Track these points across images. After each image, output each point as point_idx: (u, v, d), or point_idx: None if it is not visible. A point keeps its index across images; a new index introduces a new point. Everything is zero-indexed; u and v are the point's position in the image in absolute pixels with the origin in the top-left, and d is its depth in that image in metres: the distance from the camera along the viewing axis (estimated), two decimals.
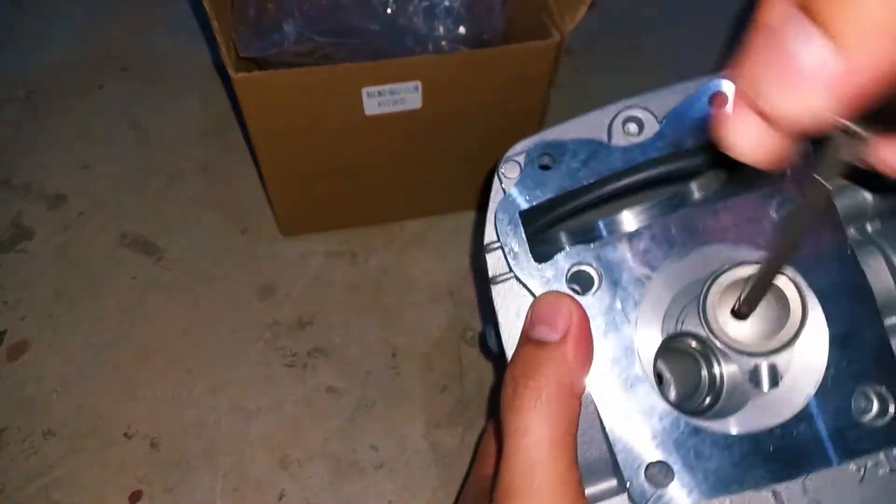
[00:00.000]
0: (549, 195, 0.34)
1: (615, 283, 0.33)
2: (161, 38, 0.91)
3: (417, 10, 0.59)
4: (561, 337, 0.31)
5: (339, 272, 0.70)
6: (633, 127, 0.34)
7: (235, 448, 0.60)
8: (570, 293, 0.33)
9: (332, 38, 0.59)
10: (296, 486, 0.58)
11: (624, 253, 0.33)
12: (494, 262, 0.34)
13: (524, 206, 0.34)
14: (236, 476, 0.58)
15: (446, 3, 0.60)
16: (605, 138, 0.34)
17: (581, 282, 0.33)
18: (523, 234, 0.34)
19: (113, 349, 0.65)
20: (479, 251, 0.36)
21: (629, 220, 0.37)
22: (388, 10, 0.59)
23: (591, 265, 0.33)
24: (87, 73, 0.87)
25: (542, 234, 0.37)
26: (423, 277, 0.70)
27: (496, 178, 0.35)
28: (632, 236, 0.33)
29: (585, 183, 0.34)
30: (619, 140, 0.34)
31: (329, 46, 0.59)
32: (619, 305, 0.32)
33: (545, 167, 0.34)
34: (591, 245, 0.33)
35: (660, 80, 0.35)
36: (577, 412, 0.31)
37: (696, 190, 0.38)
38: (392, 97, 0.57)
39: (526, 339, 0.32)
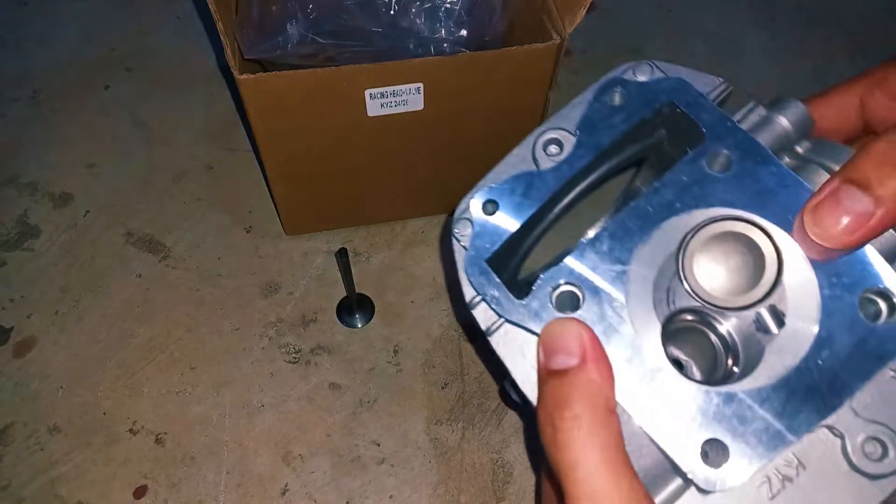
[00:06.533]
0: (505, 236, 0.35)
1: (597, 291, 0.33)
2: (166, 38, 0.92)
3: (419, 12, 0.60)
4: (580, 360, 0.31)
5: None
6: (553, 148, 0.36)
7: (239, 444, 0.60)
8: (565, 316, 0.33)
9: (335, 40, 0.60)
10: (298, 481, 0.59)
11: (592, 259, 0.34)
12: (482, 316, 0.35)
13: (487, 254, 0.35)
14: (240, 471, 0.59)
15: (447, 6, 0.61)
16: (533, 167, 0.36)
17: (566, 302, 0.34)
18: (497, 279, 0.34)
19: (118, 346, 0.66)
20: (464, 310, 0.36)
21: (586, 232, 0.39)
22: (391, 13, 0.59)
23: (569, 283, 0.33)
24: (92, 73, 0.88)
25: (517, 276, 0.38)
26: (425, 276, 0.71)
27: (453, 240, 0.36)
28: (593, 242, 0.34)
29: (533, 212, 0.35)
30: (546, 164, 0.36)
31: (332, 48, 0.60)
32: (609, 310, 0.33)
33: (492, 214, 0.36)
34: (560, 265, 0.34)
35: None
36: (619, 428, 0.30)
37: (638, 184, 0.40)
38: (394, 98, 0.58)
39: (546, 373, 0.32)
